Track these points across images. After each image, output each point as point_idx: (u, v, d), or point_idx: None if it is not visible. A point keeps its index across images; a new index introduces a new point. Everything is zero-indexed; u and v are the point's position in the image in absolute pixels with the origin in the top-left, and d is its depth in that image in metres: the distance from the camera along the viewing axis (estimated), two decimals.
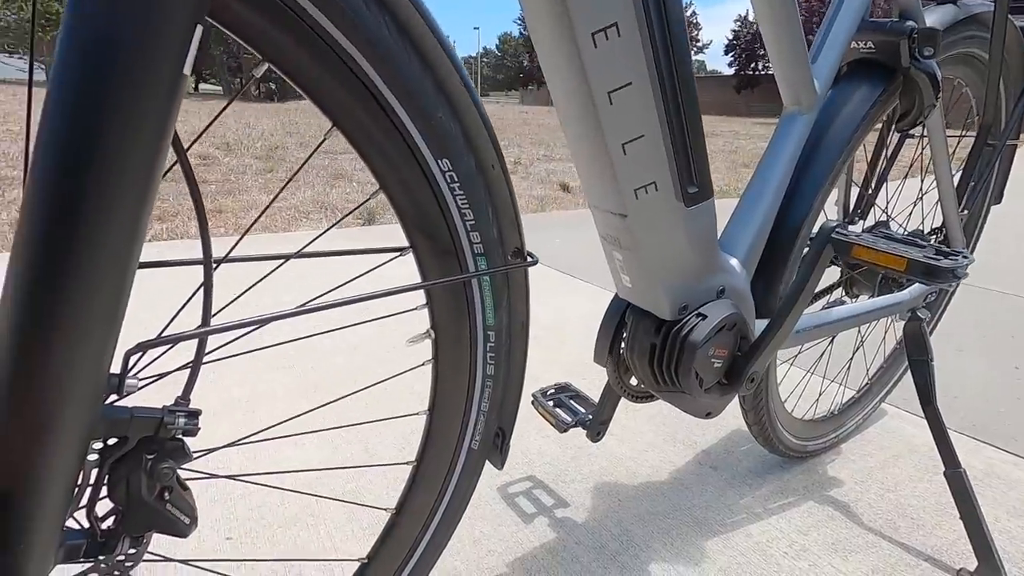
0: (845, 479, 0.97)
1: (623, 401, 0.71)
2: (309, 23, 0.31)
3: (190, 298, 0.34)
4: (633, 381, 0.67)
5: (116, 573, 0.33)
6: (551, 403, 0.83)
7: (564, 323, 1.63)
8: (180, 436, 0.32)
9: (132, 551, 0.33)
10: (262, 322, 0.34)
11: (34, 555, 0.28)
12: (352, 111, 0.35)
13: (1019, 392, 1.30)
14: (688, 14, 33.84)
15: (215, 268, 0.34)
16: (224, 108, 0.36)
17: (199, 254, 0.33)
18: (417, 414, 0.49)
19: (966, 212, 0.90)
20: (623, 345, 0.63)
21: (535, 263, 0.46)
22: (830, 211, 0.95)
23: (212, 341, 0.35)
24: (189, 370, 0.34)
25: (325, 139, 0.36)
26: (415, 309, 0.45)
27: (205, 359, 0.34)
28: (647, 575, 0.75)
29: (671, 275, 0.54)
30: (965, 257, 0.52)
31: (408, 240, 0.41)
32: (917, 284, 0.82)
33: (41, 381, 0.26)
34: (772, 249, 0.68)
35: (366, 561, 0.51)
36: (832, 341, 1.04)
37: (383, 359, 1.33)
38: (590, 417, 0.78)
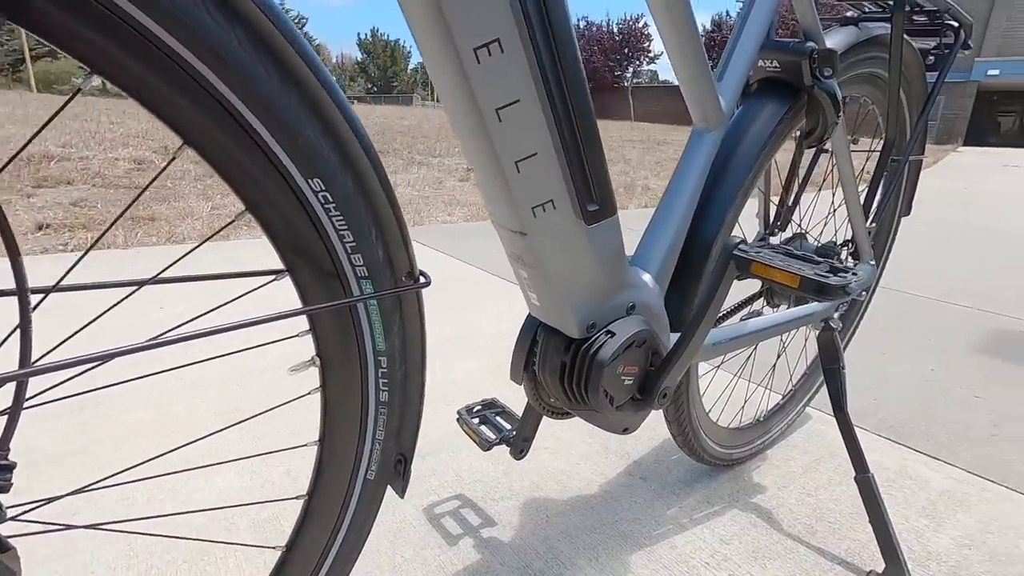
0: (768, 485, 1.00)
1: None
2: (137, 29, 0.28)
3: (7, 337, 0.31)
4: (550, 397, 0.66)
5: None
6: (476, 420, 0.81)
7: (510, 332, 1.61)
8: None
9: None
10: (101, 359, 0.30)
11: None
12: (204, 128, 0.32)
13: (933, 393, 1.38)
14: (640, 25, 34.70)
15: (40, 301, 0.30)
16: (57, 112, 0.32)
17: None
18: (306, 445, 0.46)
19: (875, 224, 0.93)
20: (536, 361, 0.62)
21: (427, 284, 0.44)
22: (753, 222, 0.98)
23: (48, 382, 0.31)
24: (6, 417, 0.30)
25: (174, 158, 0.33)
26: (298, 335, 0.42)
27: (31, 403, 0.31)
28: None
29: (576, 293, 0.53)
30: (855, 274, 0.54)
31: (283, 263, 0.39)
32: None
33: None
34: (686, 264, 0.69)
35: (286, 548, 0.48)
36: (755, 349, 1.07)
37: (266, 390, 1.21)
38: (514, 434, 0.76)
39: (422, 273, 0.45)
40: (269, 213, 0.36)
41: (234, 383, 1.22)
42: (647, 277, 0.63)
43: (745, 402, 1.12)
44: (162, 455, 0.45)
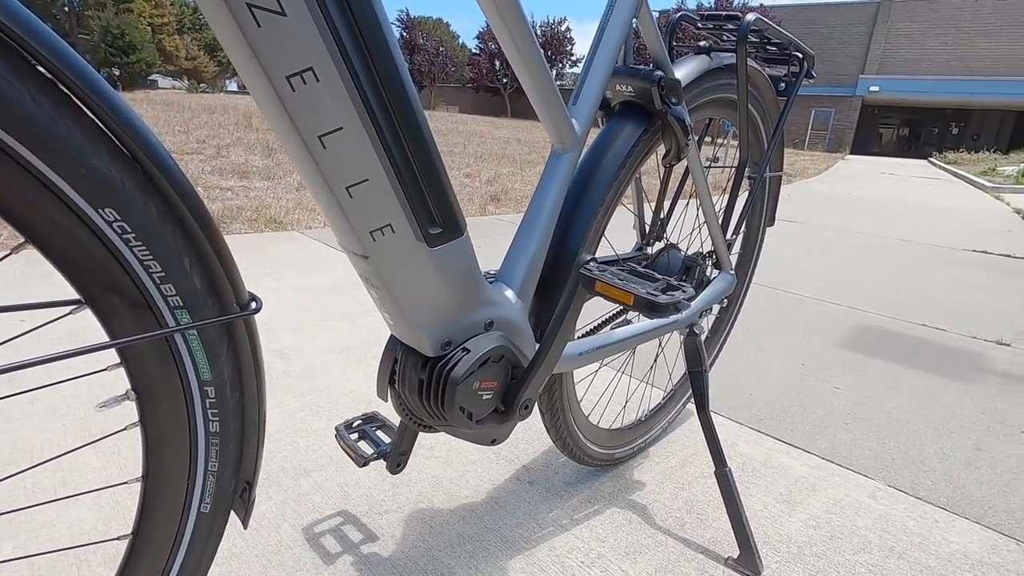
0: (647, 481, 1.05)
1: None
2: None
3: None
4: (412, 410, 0.67)
5: None
6: (354, 436, 0.80)
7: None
8: None
9: None
10: None
11: None
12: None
13: (801, 387, 1.51)
14: (563, 28, 35.43)
15: None
16: None
17: None
18: (127, 483, 0.44)
19: (736, 236, 1.01)
20: (397, 380, 0.62)
21: (257, 311, 0.43)
22: (631, 235, 1.03)
23: None
24: None
25: None
26: (107, 369, 0.40)
27: None
28: None
29: (427, 313, 0.54)
30: (685, 291, 0.58)
31: (79, 294, 0.37)
32: (693, 304, 0.91)
33: None
34: (550, 275, 0.71)
35: None
36: (635, 352, 1.13)
37: (83, 426, 1.04)
38: (388, 447, 0.76)
39: (253, 298, 0.44)
40: (57, 247, 0.34)
41: (47, 421, 1.07)
42: (509, 293, 0.65)
43: (626, 402, 1.18)
44: None
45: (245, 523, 0.50)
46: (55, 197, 0.33)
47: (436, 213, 0.49)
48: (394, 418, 0.82)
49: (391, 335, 0.63)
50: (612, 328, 0.86)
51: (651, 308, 0.55)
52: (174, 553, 0.46)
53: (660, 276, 0.60)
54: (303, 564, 0.79)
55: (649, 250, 1.01)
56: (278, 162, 4.55)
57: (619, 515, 0.95)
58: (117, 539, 0.44)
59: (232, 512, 0.49)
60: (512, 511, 0.94)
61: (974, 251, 3.55)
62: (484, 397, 0.61)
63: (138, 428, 0.42)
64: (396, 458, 0.76)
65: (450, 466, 1.05)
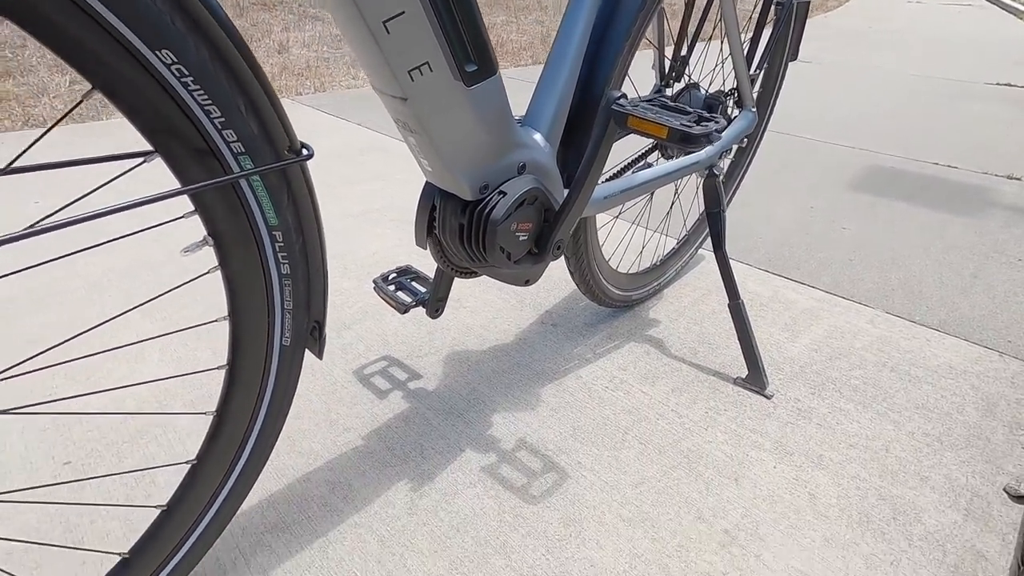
0: (662, 319, 1.13)
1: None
2: None
3: None
4: (453, 259, 0.71)
5: None
6: (392, 287, 0.85)
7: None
8: None
9: None
10: None
11: None
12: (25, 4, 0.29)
13: (809, 229, 1.55)
14: None
15: None
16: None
17: None
18: (217, 320, 0.49)
19: (760, 71, 0.98)
20: (437, 225, 0.65)
21: (310, 157, 0.44)
22: (649, 75, 1.00)
23: None
24: None
25: None
26: (184, 216, 0.43)
27: None
28: (490, 425, 0.85)
29: (466, 156, 0.55)
30: (718, 123, 0.58)
31: (151, 144, 0.38)
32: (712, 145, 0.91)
33: None
34: (576, 119, 0.71)
35: (195, 462, 0.53)
36: (651, 199, 1.15)
37: (169, 272, 1.17)
38: (428, 296, 0.81)
39: (304, 146, 0.45)
40: (121, 92, 0.35)
41: (134, 271, 1.18)
42: (537, 136, 0.65)
43: (642, 249, 1.22)
44: (76, 336, 0.46)
45: (320, 355, 0.56)
46: (112, 39, 0.33)
47: (471, 49, 0.48)
48: (426, 269, 0.86)
49: (426, 185, 0.65)
50: (634, 172, 0.86)
51: (685, 140, 0.55)
52: (265, 382, 0.53)
53: (692, 109, 0.60)
54: (359, 399, 0.89)
55: (669, 91, 0.98)
56: (254, 22, 4.19)
57: (637, 348, 1.04)
58: (216, 368, 0.51)
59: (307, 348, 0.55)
60: (540, 349, 1.03)
61: (998, 84, 3.38)
62: (521, 238, 0.64)
63: (218, 272, 0.46)
64: (435, 304, 0.81)
65: (478, 314, 1.12)
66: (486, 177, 0.58)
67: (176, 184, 0.40)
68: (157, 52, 0.34)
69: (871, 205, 1.72)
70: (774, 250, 1.42)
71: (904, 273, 1.34)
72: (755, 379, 0.93)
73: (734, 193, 1.32)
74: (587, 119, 0.72)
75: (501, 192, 0.59)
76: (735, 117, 0.96)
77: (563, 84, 0.65)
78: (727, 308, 0.99)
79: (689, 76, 0.91)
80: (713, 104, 0.90)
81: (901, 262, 1.39)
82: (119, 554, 0.51)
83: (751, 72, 0.93)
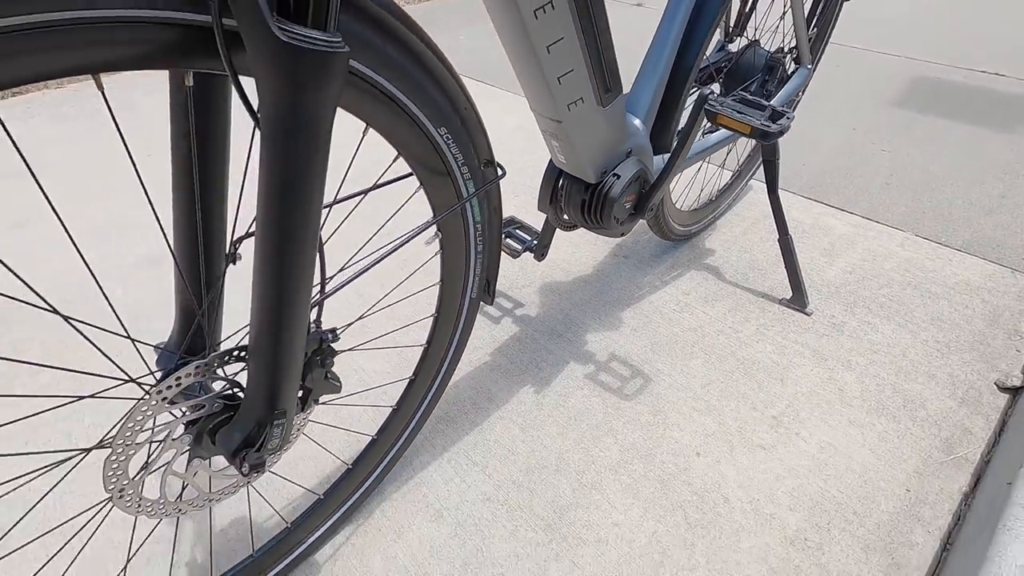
0: (716, 248, 1.32)
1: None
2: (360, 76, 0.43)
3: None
4: (566, 218, 0.90)
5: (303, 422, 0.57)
6: (504, 236, 1.06)
7: (497, 142, 1.76)
8: (330, 344, 0.53)
9: (308, 411, 0.56)
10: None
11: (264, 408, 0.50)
12: (387, 119, 0.48)
13: (851, 153, 1.67)
14: None
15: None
16: None
17: None
18: (434, 285, 0.70)
19: (815, 30, 1.08)
20: (560, 198, 0.84)
21: (504, 176, 0.64)
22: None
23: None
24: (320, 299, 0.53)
25: (363, 138, 0.50)
26: (434, 223, 0.63)
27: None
28: (584, 343, 1.09)
29: (594, 153, 0.73)
30: (788, 119, 0.74)
31: (419, 180, 0.58)
32: (775, 102, 1.05)
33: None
34: (668, 96, 0.87)
35: (413, 378, 0.77)
36: None
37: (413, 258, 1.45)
38: (535, 243, 1.02)
39: (499, 166, 0.64)
40: (409, 147, 0.54)
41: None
42: (637, 122, 0.82)
43: (703, 189, 1.38)
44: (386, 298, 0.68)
45: (491, 303, 0.78)
46: (412, 120, 0.51)
47: (608, 80, 0.65)
48: (530, 221, 1.06)
49: (550, 167, 0.83)
50: (706, 134, 1.02)
51: (764, 137, 0.72)
52: (457, 323, 0.75)
53: (766, 104, 0.75)
54: (480, 325, 1.13)
55: (732, 47, 1.10)
56: None
57: (697, 275, 1.24)
58: (429, 317, 0.73)
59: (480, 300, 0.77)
60: (615, 279, 1.24)
61: None
62: (627, 207, 0.83)
63: (439, 254, 0.67)
64: (541, 250, 1.02)
65: (559, 251, 1.32)
66: (605, 165, 0.76)
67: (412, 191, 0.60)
68: (438, 128, 0.53)
69: (911, 123, 1.81)
70: (816, 177, 1.56)
71: (936, 195, 1.48)
72: (798, 300, 1.13)
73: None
74: (675, 94, 0.87)
75: (616, 175, 0.78)
76: (793, 74, 1.08)
77: (661, 72, 0.81)
78: (776, 241, 1.17)
79: (750, 33, 1.03)
80: (774, 65, 1.03)
81: (935, 184, 1.52)
82: (370, 436, 0.77)
83: (809, 31, 1.04)
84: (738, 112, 0.74)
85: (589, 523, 0.80)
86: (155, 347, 0.54)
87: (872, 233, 1.35)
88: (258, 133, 0.37)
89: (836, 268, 1.25)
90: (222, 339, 0.56)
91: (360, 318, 0.71)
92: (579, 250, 1.32)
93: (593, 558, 0.76)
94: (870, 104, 1.94)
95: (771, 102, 0.98)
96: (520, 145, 1.68)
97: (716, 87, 1.10)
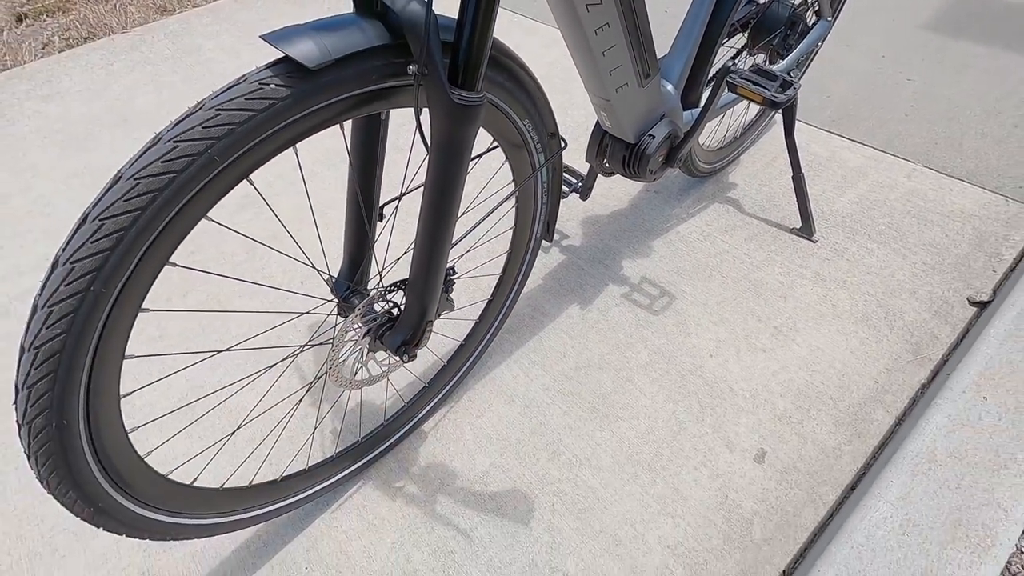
0: (738, 182, 1.49)
1: None
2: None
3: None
4: (607, 167, 1.09)
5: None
6: None
7: (542, 79, 1.89)
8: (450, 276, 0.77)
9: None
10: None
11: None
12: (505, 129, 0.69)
13: (876, 82, 1.75)
14: None
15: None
16: None
17: None
18: (509, 229, 0.92)
19: None
20: (604, 153, 1.03)
21: (566, 147, 0.83)
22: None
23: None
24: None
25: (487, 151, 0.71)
26: (515, 191, 0.84)
27: None
28: (620, 268, 1.31)
29: (634, 120, 0.91)
30: (795, 89, 0.89)
31: (504, 154, 0.78)
32: (793, 55, 1.18)
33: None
34: (698, 57, 1.02)
35: (490, 299, 1.01)
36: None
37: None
38: (580, 185, 1.22)
39: (562, 138, 0.83)
40: (506, 138, 0.74)
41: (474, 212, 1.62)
42: (670, 87, 0.99)
43: (727, 130, 1.53)
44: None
45: (551, 240, 1.00)
46: (506, 117, 0.71)
47: (648, 67, 0.82)
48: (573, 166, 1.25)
49: (597, 127, 1.01)
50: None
51: (773, 106, 0.88)
52: (525, 256, 0.98)
53: (778, 73, 0.90)
54: None
55: (753, 5, 1.22)
56: None
57: (719, 207, 1.43)
58: (502, 254, 0.96)
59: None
60: (647, 212, 1.43)
61: None
62: (660, 159, 1.02)
63: (515, 206, 0.88)
64: (586, 191, 1.22)
65: (599, 189, 1.51)
66: (644, 128, 0.95)
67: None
68: (522, 121, 0.73)
69: (940, 50, 1.86)
70: (839, 109, 1.67)
71: (951, 126, 1.59)
72: (806, 229, 1.32)
73: (809, 63, 1.55)
74: (704, 57, 1.02)
75: (651, 135, 0.96)
76: (814, 26, 1.20)
77: (693, 42, 0.96)
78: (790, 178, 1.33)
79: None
80: (796, 20, 1.15)
81: (953, 113, 1.62)
82: (459, 341, 1.03)
83: None
84: (753, 84, 0.90)
85: (625, 405, 1.06)
86: (327, 279, 0.78)
87: (883, 165, 1.50)
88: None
89: (845, 199, 1.42)
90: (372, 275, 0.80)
91: (460, 257, 0.94)
92: (614, 186, 1.51)
93: (627, 428, 1.03)
94: (901, 28, 1.97)
95: (790, 56, 1.12)
96: (558, 84, 1.82)
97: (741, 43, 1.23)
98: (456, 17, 0.51)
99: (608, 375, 1.11)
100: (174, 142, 0.42)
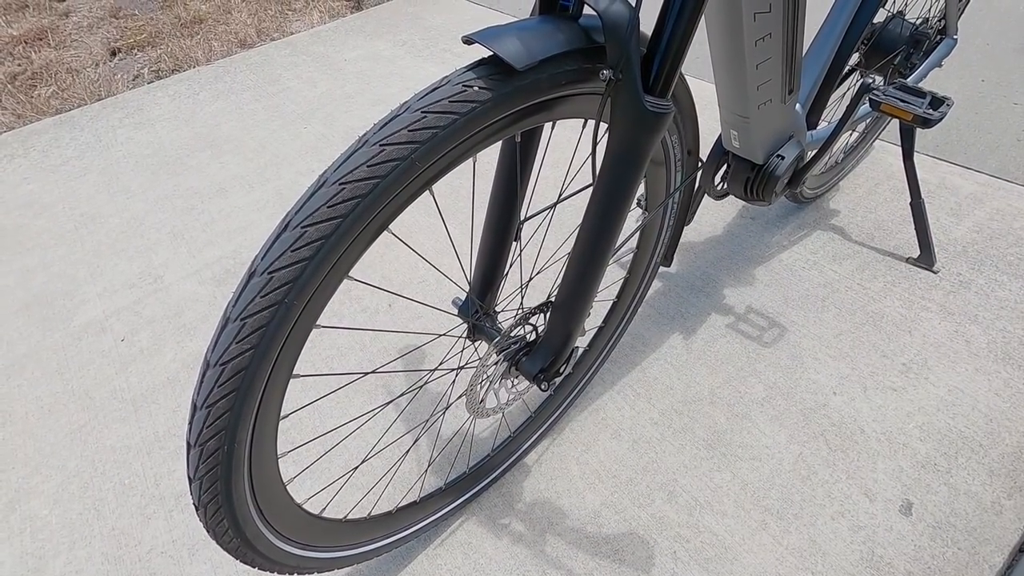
0: (842, 209, 1.41)
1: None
2: None
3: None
4: (720, 190, 1.04)
5: None
6: None
7: None
8: None
9: None
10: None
11: None
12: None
13: (979, 107, 1.66)
14: None
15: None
16: None
17: None
18: (633, 251, 0.88)
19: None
20: (725, 175, 0.98)
21: (701, 168, 0.79)
22: None
23: None
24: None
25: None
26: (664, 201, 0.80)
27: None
28: (722, 297, 1.24)
29: (768, 139, 0.86)
30: (948, 106, 0.82)
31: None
32: (917, 74, 1.12)
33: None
34: (826, 78, 0.97)
35: (615, 300, 0.96)
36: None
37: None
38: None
39: (701, 159, 0.79)
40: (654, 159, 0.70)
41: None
42: (798, 107, 0.93)
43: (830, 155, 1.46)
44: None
45: (669, 265, 0.94)
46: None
47: (792, 84, 0.78)
48: None
49: (717, 146, 0.97)
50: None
51: (926, 124, 0.82)
52: (645, 275, 0.93)
53: (926, 91, 0.84)
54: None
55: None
56: None
57: (824, 235, 1.35)
58: (620, 279, 0.91)
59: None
60: (745, 239, 1.37)
61: None
62: (785, 181, 0.96)
63: (639, 229, 0.84)
64: (690, 216, 1.16)
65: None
66: (773, 148, 0.89)
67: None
68: (671, 135, 0.69)
69: None
70: (942, 134, 1.58)
71: None
72: (925, 258, 1.22)
73: None
74: (831, 79, 0.97)
75: (780, 156, 0.90)
76: (938, 45, 1.14)
77: (824, 62, 0.91)
78: (900, 197, 1.25)
79: (892, 7, 1.09)
80: (920, 39, 1.09)
81: None
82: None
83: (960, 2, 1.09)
84: (901, 101, 0.84)
85: (743, 444, 0.98)
86: (454, 301, 0.75)
87: (1001, 192, 1.39)
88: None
89: (963, 227, 1.32)
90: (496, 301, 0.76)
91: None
92: (708, 211, 1.45)
93: (750, 471, 0.95)
94: (1000, 51, 1.88)
95: (914, 74, 1.06)
96: None
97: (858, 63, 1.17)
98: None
99: (721, 411, 1.03)
100: (380, 145, 0.39)
